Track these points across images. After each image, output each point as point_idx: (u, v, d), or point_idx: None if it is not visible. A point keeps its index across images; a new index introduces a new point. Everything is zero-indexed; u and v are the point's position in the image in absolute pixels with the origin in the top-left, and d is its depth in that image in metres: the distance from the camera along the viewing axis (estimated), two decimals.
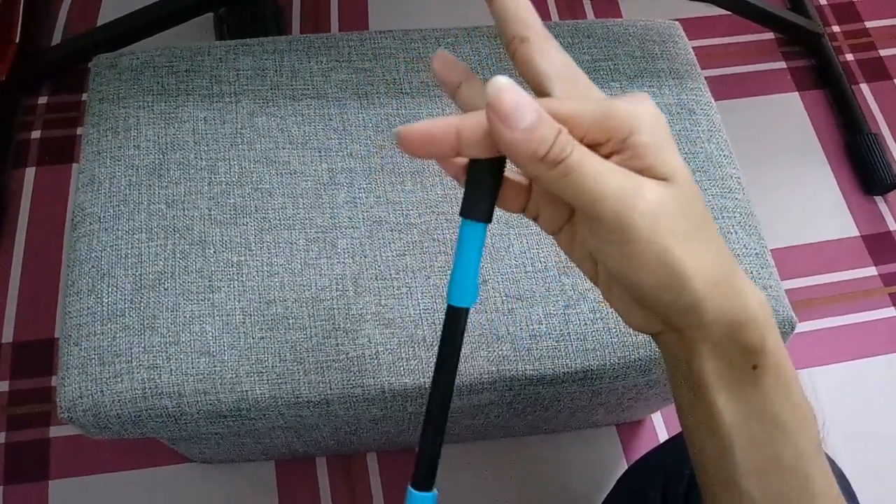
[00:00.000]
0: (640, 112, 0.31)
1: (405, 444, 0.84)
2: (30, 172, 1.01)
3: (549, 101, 0.30)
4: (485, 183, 0.32)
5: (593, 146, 0.31)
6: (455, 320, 0.34)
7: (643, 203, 0.30)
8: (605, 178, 0.30)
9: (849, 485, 0.54)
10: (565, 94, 0.32)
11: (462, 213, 0.33)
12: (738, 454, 0.34)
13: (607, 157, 0.31)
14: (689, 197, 0.31)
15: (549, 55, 0.33)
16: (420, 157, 0.31)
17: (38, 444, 0.85)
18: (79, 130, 1.04)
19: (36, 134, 1.03)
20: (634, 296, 0.33)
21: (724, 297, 0.32)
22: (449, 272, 0.57)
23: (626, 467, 0.69)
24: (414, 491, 0.37)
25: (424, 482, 0.37)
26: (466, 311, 0.34)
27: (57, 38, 1.12)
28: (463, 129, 0.30)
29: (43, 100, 1.06)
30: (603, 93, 0.34)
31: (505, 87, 0.28)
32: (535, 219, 0.37)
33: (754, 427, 0.34)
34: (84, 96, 1.07)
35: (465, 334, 0.53)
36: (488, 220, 0.33)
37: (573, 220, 0.35)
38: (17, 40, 1.04)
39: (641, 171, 0.30)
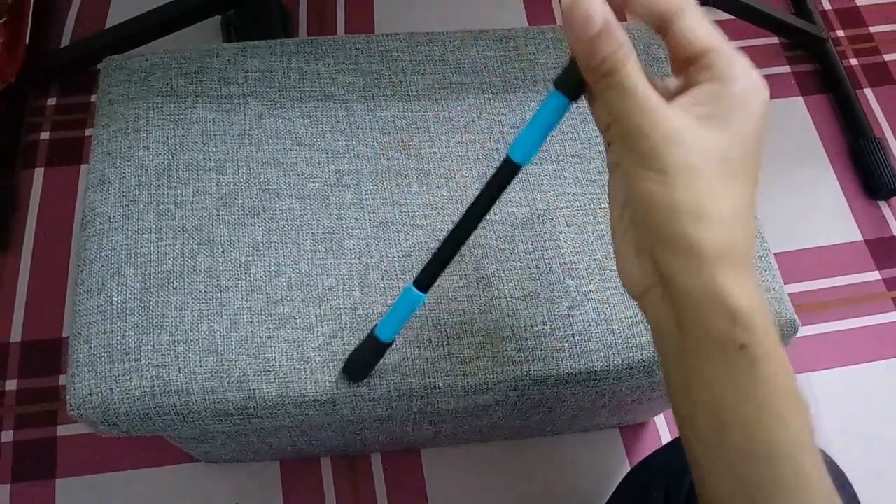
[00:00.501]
0: (746, 75, 0.34)
1: (410, 445, 0.85)
2: (38, 173, 1.02)
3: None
4: None
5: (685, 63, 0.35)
6: (506, 173, 0.39)
7: (668, 126, 0.32)
8: (639, 95, 0.33)
9: (850, 485, 0.55)
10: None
11: (555, 83, 0.36)
12: (731, 434, 0.34)
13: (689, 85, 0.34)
14: (733, 152, 0.33)
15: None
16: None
17: (45, 443, 0.85)
18: (87, 132, 1.05)
19: (45, 135, 1.04)
20: (639, 221, 0.35)
21: (716, 259, 0.32)
22: (454, 273, 0.58)
23: (630, 469, 0.70)
24: (414, 289, 0.44)
25: (425, 284, 0.44)
26: (518, 168, 0.38)
27: (66, 40, 1.13)
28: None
29: (52, 101, 1.07)
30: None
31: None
32: (607, 147, 0.39)
33: (748, 410, 0.34)
34: (93, 98, 1.08)
35: (470, 334, 0.54)
36: (573, 97, 0.36)
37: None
38: (27, 42, 1.05)
39: (703, 106, 0.33)
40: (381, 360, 0.54)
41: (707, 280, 0.33)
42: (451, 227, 0.59)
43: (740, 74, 0.34)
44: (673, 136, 0.32)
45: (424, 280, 0.45)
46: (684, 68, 0.36)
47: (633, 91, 0.33)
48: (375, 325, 0.49)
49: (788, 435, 0.34)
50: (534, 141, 0.37)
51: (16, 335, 0.91)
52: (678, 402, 0.37)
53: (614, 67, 0.33)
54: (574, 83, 0.35)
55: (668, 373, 0.37)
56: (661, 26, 0.36)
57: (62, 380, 0.88)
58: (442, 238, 0.59)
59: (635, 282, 0.37)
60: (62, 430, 0.86)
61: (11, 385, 0.88)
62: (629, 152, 0.34)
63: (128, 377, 0.53)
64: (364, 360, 0.52)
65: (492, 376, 0.55)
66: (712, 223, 0.32)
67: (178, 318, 0.55)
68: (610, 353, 0.56)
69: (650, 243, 0.35)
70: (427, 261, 0.45)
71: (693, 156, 0.32)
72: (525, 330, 0.56)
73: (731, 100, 0.33)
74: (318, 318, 0.55)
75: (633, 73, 0.33)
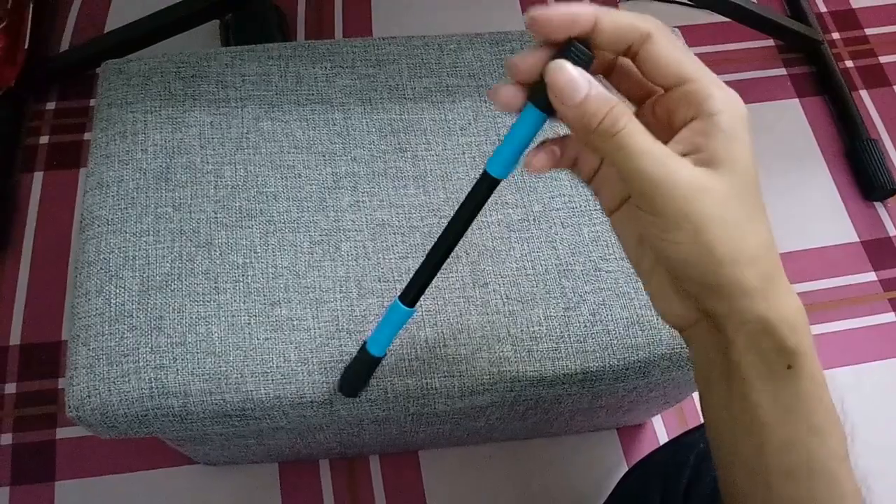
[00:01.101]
0: (724, 102, 0.33)
1: (408, 447, 0.85)
2: (38, 177, 1.02)
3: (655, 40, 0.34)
4: None
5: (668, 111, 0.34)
6: (485, 187, 0.39)
7: (683, 182, 0.32)
8: (650, 154, 0.32)
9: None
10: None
11: (528, 97, 0.36)
12: (771, 454, 0.35)
13: (678, 129, 0.34)
14: (742, 187, 0.33)
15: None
16: (545, 35, 0.34)
17: (44, 446, 0.85)
18: (86, 135, 1.05)
19: (44, 139, 1.05)
20: (673, 273, 0.35)
21: (759, 291, 0.33)
22: (450, 275, 0.58)
23: (627, 469, 0.70)
24: (401, 303, 0.44)
25: (410, 299, 0.44)
26: (497, 182, 0.38)
27: (65, 45, 1.14)
28: (602, 18, 0.33)
29: (51, 105, 1.07)
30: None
31: (562, 64, 0.33)
32: (597, 193, 0.40)
33: (789, 428, 0.34)
34: (91, 102, 1.08)
35: (466, 335, 0.54)
36: (549, 112, 0.35)
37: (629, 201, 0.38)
38: (26, 46, 1.05)
39: (701, 151, 0.33)
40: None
41: (758, 313, 0.33)
42: None
43: (722, 104, 0.33)
44: (692, 193, 0.32)
45: (410, 294, 0.44)
46: (648, 95, 0.37)
47: (641, 151, 0.32)
48: (366, 340, 0.49)
49: (826, 449, 0.34)
50: (511, 155, 0.37)
51: (15, 338, 0.91)
52: (719, 427, 0.37)
53: (613, 128, 0.32)
54: (547, 97, 0.35)
55: (709, 399, 0.37)
56: (629, 52, 0.35)
57: (61, 383, 0.89)
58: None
59: (677, 319, 0.37)
60: (61, 433, 0.86)
61: (11, 388, 0.88)
62: (649, 214, 0.33)
63: (126, 379, 0.53)
64: (357, 373, 0.51)
65: (488, 377, 0.55)
66: (751, 261, 0.33)
67: (176, 320, 0.55)
68: (606, 353, 0.56)
69: (692, 289, 0.35)
70: (412, 276, 0.44)
71: (716, 206, 0.32)
72: (521, 331, 0.57)
73: (722, 135, 0.33)
74: (316, 320, 0.56)
75: (635, 130, 0.32)
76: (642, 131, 0.32)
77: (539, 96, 0.35)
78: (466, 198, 0.40)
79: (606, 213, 0.40)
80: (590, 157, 0.39)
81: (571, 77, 0.32)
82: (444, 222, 0.60)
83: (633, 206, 0.36)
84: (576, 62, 0.33)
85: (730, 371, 0.35)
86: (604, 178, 0.39)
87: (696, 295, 0.34)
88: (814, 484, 0.35)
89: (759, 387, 0.34)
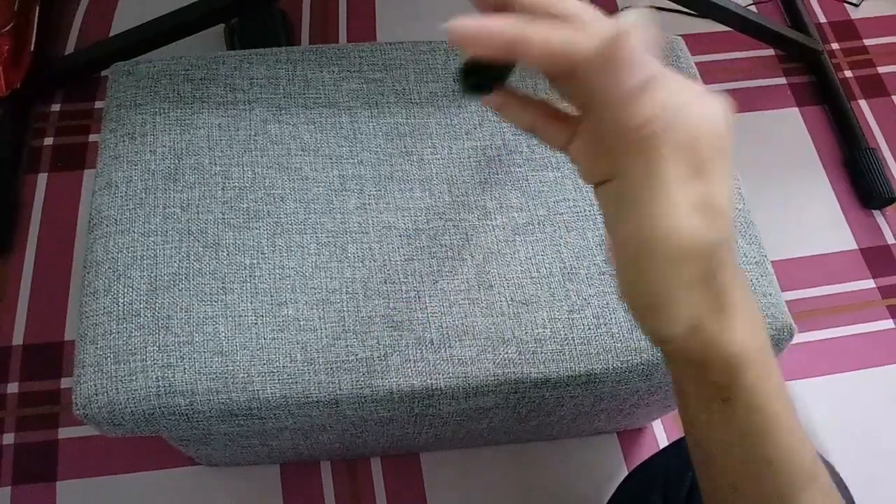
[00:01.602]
0: (708, 133, 0.29)
1: (409, 449, 0.85)
2: (42, 178, 1.02)
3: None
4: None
5: None
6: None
7: (679, 243, 0.29)
8: (669, 196, 0.28)
9: (847, 490, 0.55)
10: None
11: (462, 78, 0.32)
12: (719, 476, 0.35)
13: None
14: (720, 241, 0.30)
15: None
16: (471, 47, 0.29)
17: (47, 446, 0.86)
18: (91, 137, 1.06)
19: (49, 140, 1.05)
20: (623, 300, 0.33)
21: (696, 340, 0.31)
22: (456, 277, 0.59)
23: (628, 473, 0.70)
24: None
25: None
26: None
27: (70, 48, 1.14)
28: (528, 35, 0.28)
29: (56, 107, 1.08)
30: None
31: (631, 30, 0.26)
32: (576, 164, 0.35)
33: (734, 455, 0.34)
34: (96, 104, 1.09)
35: (471, 337, 0.54)
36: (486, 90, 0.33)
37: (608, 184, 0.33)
38: (32, 49, 1.06)
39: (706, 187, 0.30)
40: (385, 362, 0.55)
41: (688, 352, 0.32)
42: (453, 231, 0.60)
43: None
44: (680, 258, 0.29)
45: None
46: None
47: (673, 189, 0.28)
48: None
49: (776, 479, 0.34)
50: None
51: (18, 338, 0.92)
52: (685, 431, 0.38)
53: (655, 139, 0.27)
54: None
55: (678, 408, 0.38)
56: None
57: (64, 383, 0.89)
58: (444, 243, 0.60)
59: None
60: (63, 433, 0.86)
61: (13, 388, 0.89)
62: (619, 234, 0.30)
63: (133, 377, 0.54)
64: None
65: (493, 378, 0.56)
66: (685, 321, 0.31)
67: (183, 320, 0.55)
68: (609, 356, 0.57)
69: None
70: None
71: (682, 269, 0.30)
72: (526, 333, 0.57)
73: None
74: (322, 321, 0.56)
75: (677, 155, 0.28)
76: (677, 154, 0.28)
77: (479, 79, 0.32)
78: None
79: (583, 180, 0.35)
80: (560, 130, 0.34)
81: (636, 56, 0.26)
82: (451, 225, 0.61)
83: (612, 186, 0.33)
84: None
85: (676, 389, 0.35)
86: (580, 151, 0.34)
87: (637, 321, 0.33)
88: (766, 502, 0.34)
89: (700, 412, 0.34)
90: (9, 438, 0.86)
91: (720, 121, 0.29)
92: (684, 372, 0.34)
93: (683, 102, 0.29)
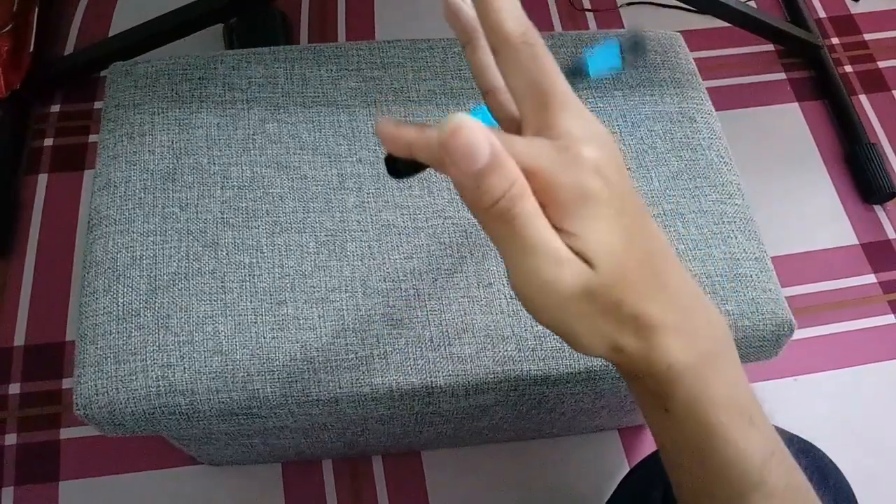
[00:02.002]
0: (586, 187, 0.29)
1: (411, 447, 0.85)
2: (42, 179, 1.03)
3: (512, 144, 0.28)
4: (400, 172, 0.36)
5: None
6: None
7: (557, 293, 0.29)
8: (534, 257, 0.29)
9: (846, 484, 0.55)
10: (532, 117, 0.31)
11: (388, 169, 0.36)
12: (675, 474, 0.36)
13: None
14: (608, 277, 0.30)
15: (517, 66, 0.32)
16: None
17: (48, 446, 0.86)
18: (90, 138, 1.06)
19: (48, 141, 1.05)
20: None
21: (620, 358, 0.32)
22: (455, 275, 0.59)
23: (629, 470, 0.70)
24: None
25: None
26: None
27: (70, 48, 1.15)
28: (416, 142, 0.31)
29: (55, 108, 1.08)
30: (576, 109, 0.31)
31: (462, 124, 0.26)
32: None
33: (684, 458, 0.35)
34: (95, 105, 1.09)
35: (471, 335, 0.54)
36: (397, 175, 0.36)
37: None
38: (32, 50, 1.06)
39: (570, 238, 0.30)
40: (385, 360, 0.55)
41: (624, 367, 0.34)
42: (452, 229, 0.60)
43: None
44: (569, 306, 0.30)
45: None
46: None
47: (533, 246, 0.29)
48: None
49: (727, 484, 0.35)
50: None
51: (19, 339, 0.92)
52: None
53: (509, 212, 0.28)
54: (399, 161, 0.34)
55: None
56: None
57: (65, 383, 0.89)
58: (443, 241, 0.60)
59: None
60: (65, 433, 0.86)
61: (15, 388, 0.89)
62: (515, 286, 0.31)
63: (134, 377, 0.54)
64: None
65: (493, 376, 0.56)
66: (598, 348, 0.32)
67: (183, 319, 0.56)
68: None
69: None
70: None
71: (586, 319, 0.31)
72: (525, 330, 0.57)
73: (580, 225, 0.30)
74: (322, 319, 0.56)
75: (531, 214, 0.28)
76: (537, 215, 0.29)
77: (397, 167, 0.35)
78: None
79: None
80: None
81: (470, 140, 0.26)
82: (449, 223, 0.60)
83: None
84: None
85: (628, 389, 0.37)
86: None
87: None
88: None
89: (648, 417, 0.36)
90: (11, 439, 0.86)
91: (582, 166, 0.30)
92: (627, 382, 0.35)
93: (539, 156, 0.29)
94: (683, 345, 0.32)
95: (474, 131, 0.26)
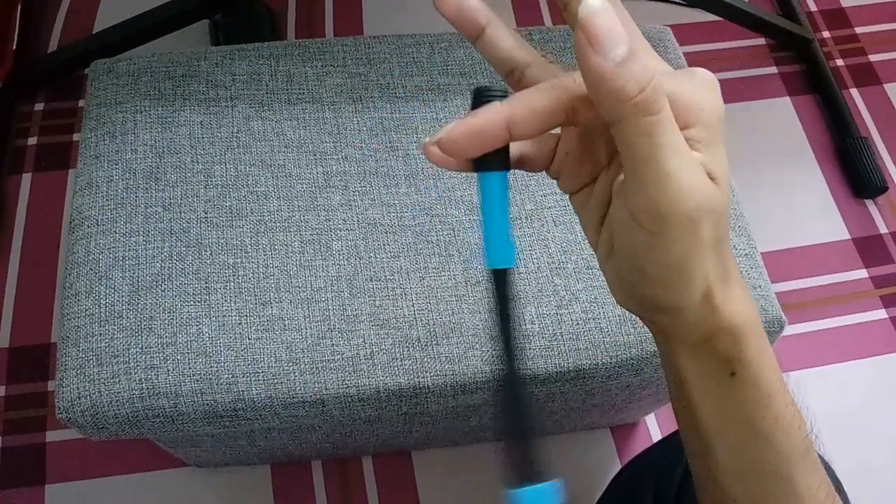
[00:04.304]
0: (704, 104, 0.30)
1: (399, 447, 0.85)
2: (26, 178, 1.01)
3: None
4: None
5: None
6: (498, 283, 0.31)
7: (698, 202, 0.28)
8: (680, 158, 0.28)
9: (838, 481, 0.55)
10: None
11: (477, 168, 0.30)
12: (718, 455, 0.34)
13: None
14: (726, 205, 0.30)
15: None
16: (454, 160, 0.30)
17: (34, 449, 0.85)
18: (74, 137, 1.05)
19: (32, 140, 1.04)
20: (630, 280, 0.32)
21: (708, 307, 0.31)
22: (443, 274, 0.58)
23: (620, 468, 0.70)
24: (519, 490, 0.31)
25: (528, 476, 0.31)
26: (506, 272, 0.31)
27: (53, 46, 1.13)
28: (515, 115, 0.28)
29: (39, 106, 1.07)
30: None
31: (600, 8, 0.25)
32: (556, 178, 0.35)
33: (733, 433, 0.34)
34: (80, 103, 1.07)
35: (459, 334, 0.53)
36: (503, 167, 0.30)
37: (594, 184, 0.34)
38: (14, 47, 1.05)
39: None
40: (371, 361, 0.54)
41: (700, 326, 0.32)
42: (439, 227, 0.60)
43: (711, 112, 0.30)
44: (701, 216, 0.29)
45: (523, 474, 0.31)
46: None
47: (674, 148, 0.27)
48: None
49: (775, 453, 0.34)
50: (499, 238, 0.30)
51: (3, 341, 0.91)
52: (678, 421, 0.37)
53: (653, 105, 0.26)
54: (505, 154, 0.30)
55: (669, 393, 0.37)
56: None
57: (51, 385, 0.88)
58: (430, 239, 0.59)
59: (625, 306, 0.36)
60: (51, 436, 0.85)
61: (0, 391, 0.88)
62: (641, 220, 0.29)
63: (116, 380, 0.53)
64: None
65: (481, 376, 0.55)
66: (708, 282, 0.31)
67: (166, 321, 0.55)
68: (598, 351, 0.56)
69: (635, 299, 0.33)
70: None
71: (712, 231, 0.30)
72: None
73: (701, 142, 0.30)
74: (307, 320, 0.55)
75: (670, 117, 0.27)
76: (674, 123, 0.28)
77: (490, 156, 0.30)
78: (495, 304, 0.32)
79: (562, 189, 0.35)
80: (545, 146, 0.34)
81: (613, 26, 0.25)
82: (437, 221, 0.60)
83: (602, 192, 0.33)
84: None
85: (675, 372, 0.34)
86: (562, 164, 0.34)
87: (648, 308, 0.33)
88: (766, 484, 0.34)
89: (699, 392, 0.34)
90: None
91: (714, 89, 0.31)
92: (689, 351, 0.33)
93: (672, 71, 0.30)
94: (749, 302, 0.32)
95: (614, 17, 0.25)
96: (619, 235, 0.31)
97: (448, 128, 0.29)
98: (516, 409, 0.32)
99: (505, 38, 0.33)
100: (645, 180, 0.28)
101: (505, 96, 0.29)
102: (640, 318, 0.36)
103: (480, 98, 0.29)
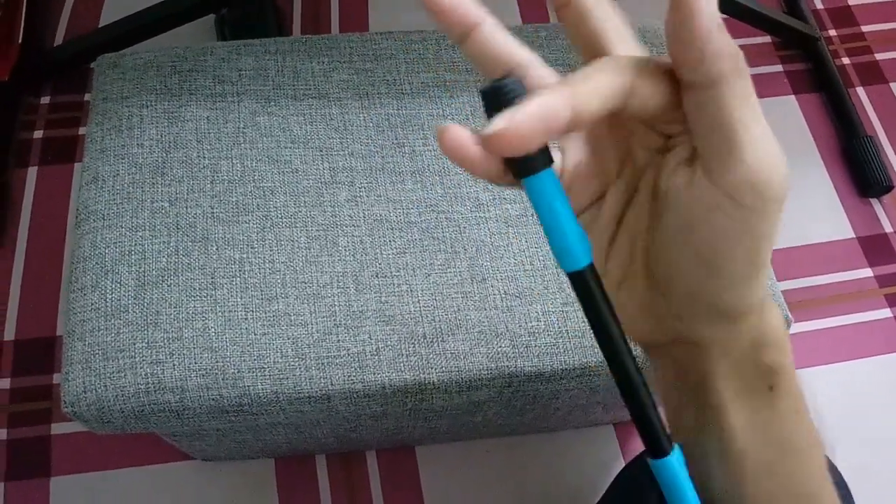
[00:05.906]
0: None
1: (404, 442, 0.85)
2: (32, 172, 1.01)
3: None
4: None
5: None
6: (579, 285, 0.29)
7: (786, 172, 0.27)
8: (765, 125, 0.27)
9: (846, 488, 0.55)
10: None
11: (521, 171, 0.27)
12: (749, 483, 0.32)
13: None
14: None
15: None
16: (496, 168, 0.27)
17: (39, 441, 0.85)
18: (81, 130, 1.05)
19: (38, 133, 1.04)
20: (683, 291, 0.30)
21: (760, 309, 0.30)
22: (449, 270, 0.58)
23: (624, 465, 0.70)
24: (653, 460, 0.31)
25: (657, 448, 0.31)
26: (582, 272, 0.28)
27: (59, 39, 1.13)
28: (579, 95, 0.25)
29: (45, 100, 1.07)
30: None
31: None
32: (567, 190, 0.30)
33: (768, 453, 0.32)
34: (86, 97, 1.07)
35: (464, 331, 0.53)
36: (550, 161, 0.27)
37: (602, 201, 0.32)
38: (20, 40, 1.05)
39: None
40: (377, 357, 0.54)
41: (750, 335, 0.30)
42: (445, 224, 0.60)
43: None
44: (783, 195, 0.27)
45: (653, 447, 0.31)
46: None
47: (760, 116, 0.26)
48: None
49: (806, 470, 0.33)
50: (562, 240, 0.28)
51: (9, 333, 0.91)
52: (692, 452, 0.33)
53: (741, 65, 0.26)
54: (544, 151, 0.27)
55: (677, 423, 0.34)
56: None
57: (56, 378, 0.88)
58: (436, 235, 0.59)
59: (651, 336, 0.33)
60: (56, 429, 0.86)
61: (5, 383, 0.88)
62: (744, 191, 0.27)
63: (122, 374, 0.53)
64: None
65: (486, 372, 0.55)
66: (761, 286, 0.30)
67: (172, 316, 0.55)
68: None
69: (683, 310, 0.31)
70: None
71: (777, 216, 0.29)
72: (519, 326, 0.56)
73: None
74: (313, 315, 0.56)
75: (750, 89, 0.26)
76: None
77: (531, 157, 0.26)
78: (581, 305, 0.30)
79: (575, 209, 0.30)
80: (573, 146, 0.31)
81: None
82: (443, 218, 0.60)
83: (612, 207, 0.31)
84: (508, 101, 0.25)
85: (706, 398, 0.32)
86: (576, 174, 0.31)
87: (693, 318, 0.30)
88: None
89: (739, 415, 0.31)
90: (1, 434, 0.85)
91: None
92: (730, 369, 0.31)
93: None
94: (778, 309, 0.31)
95: None
96: (684, 236, 0.28)
97: (503, 119, 0.24)
98: (643, 388, 0.31)
99: (504, 36, 0.30)
100: (743, 147, 0.26)
101: (524, 91, 0.26)
102: (659, 353, 0.33)
103: (502, 93, 0.26)
